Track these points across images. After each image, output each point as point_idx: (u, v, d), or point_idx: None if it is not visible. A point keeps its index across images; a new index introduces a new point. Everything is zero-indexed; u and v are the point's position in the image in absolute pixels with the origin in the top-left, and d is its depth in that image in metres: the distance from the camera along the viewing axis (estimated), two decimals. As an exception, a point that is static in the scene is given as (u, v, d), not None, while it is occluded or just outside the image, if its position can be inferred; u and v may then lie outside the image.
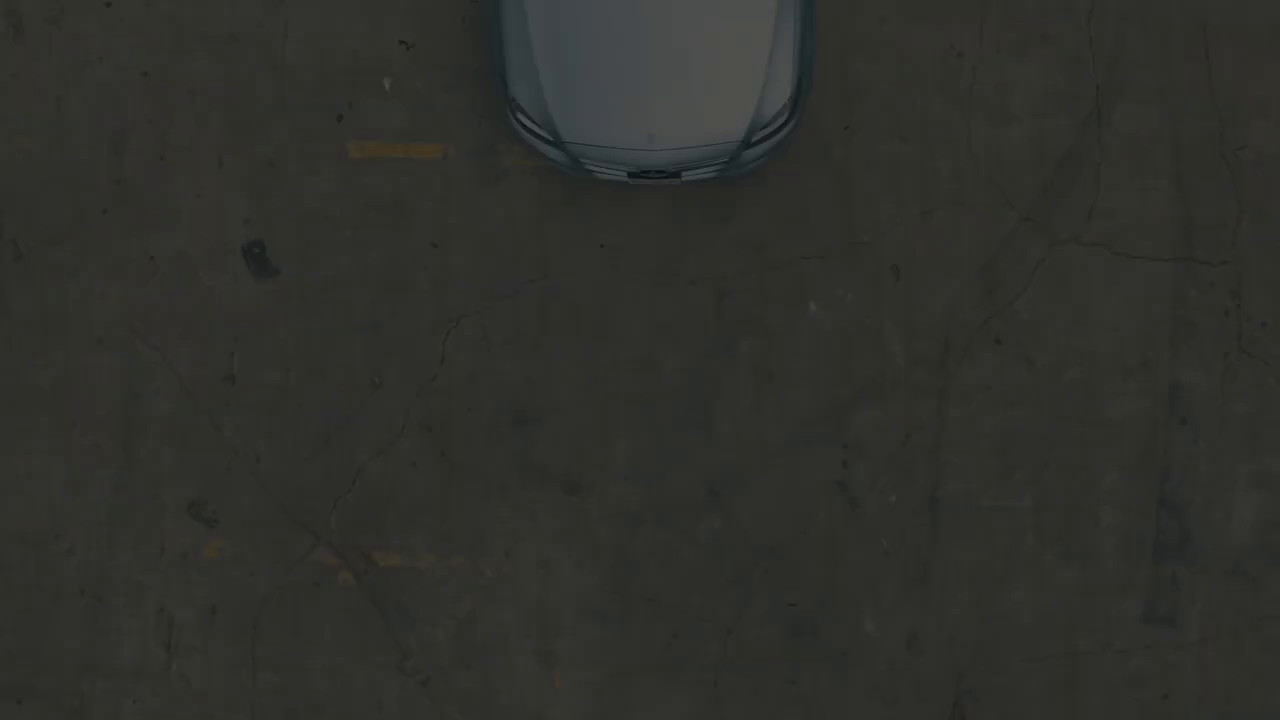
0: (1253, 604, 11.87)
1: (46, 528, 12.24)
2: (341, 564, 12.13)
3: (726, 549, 12.00)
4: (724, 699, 12.04)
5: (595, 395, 11.99)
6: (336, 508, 12.10)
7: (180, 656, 12.23)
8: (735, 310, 11.93)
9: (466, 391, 12.01)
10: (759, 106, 10.97)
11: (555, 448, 12.01)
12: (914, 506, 11.92)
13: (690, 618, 12.02)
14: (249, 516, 12.13)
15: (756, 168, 11.56)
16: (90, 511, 12.19)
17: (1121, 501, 11.85)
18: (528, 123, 11.13)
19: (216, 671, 12.21)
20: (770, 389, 11.92)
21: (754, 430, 11.94)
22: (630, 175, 11.12)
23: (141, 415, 12.12)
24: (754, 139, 11.08)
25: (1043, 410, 11.84)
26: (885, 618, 11.98)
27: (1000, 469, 11.87)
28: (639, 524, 12.01)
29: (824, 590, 11.98)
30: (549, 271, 11.97)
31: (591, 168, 11.15)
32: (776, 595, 11.99)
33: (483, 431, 12.01)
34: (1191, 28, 11.73)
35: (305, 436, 12.08)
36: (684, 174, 11.11)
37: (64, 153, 12.09)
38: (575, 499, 12.03)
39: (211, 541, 12.17)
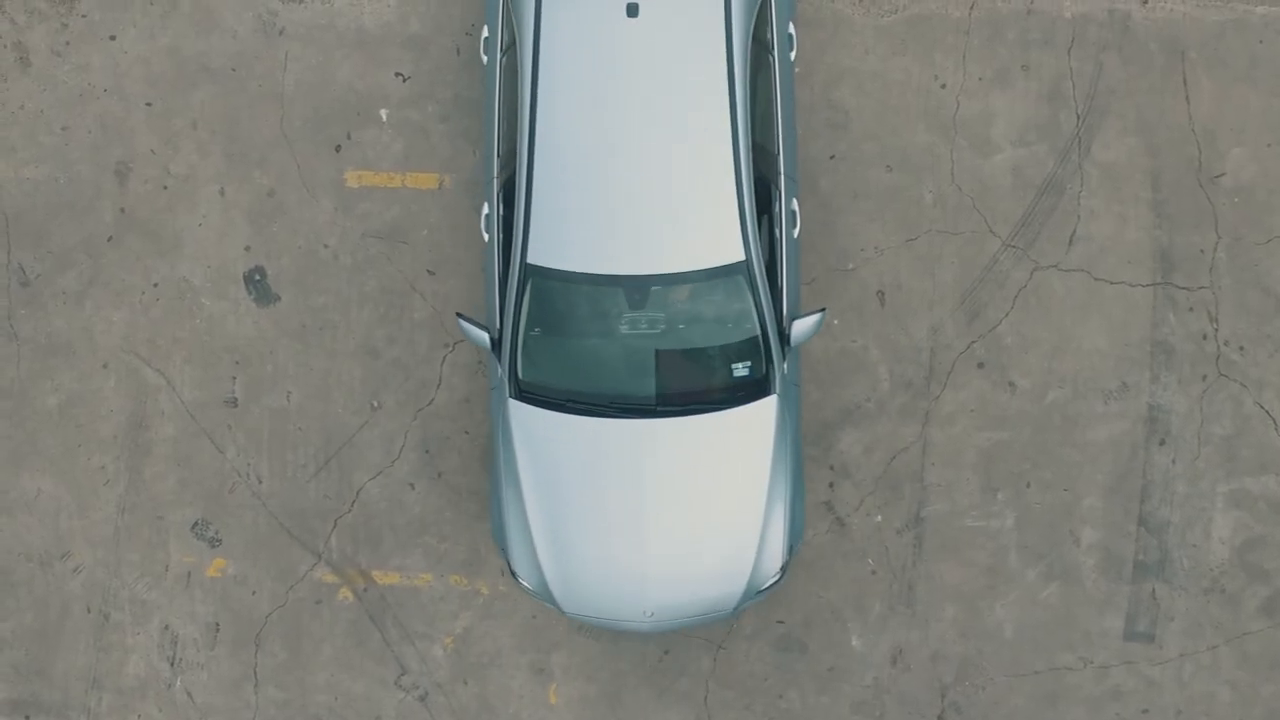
0: (1230, 621, 12.07)
1: (53, 547, 12.45)
2: (341, 582, 12.35)
3: (716, 568, 12.20)
4: (714, 714, 12.24)
5: (588, 418, 12.16)
6: (336, 527, 12.32)
7: (184, 672, 12.44)
8: (724, 335, 12.08)
9: (463, 414, 12.22)
10: (750, 581, 11.23)
11: (549, 469, 12.20)
12: (899, 526, 12.12)
13: (681, 634, 12.22)
14: (251, 536, 12.35)
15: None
16: (96, 531, 12.41)
17: (1102, 521, 12.05)
18: (528, 587, 11.41)
19: (220, 687, 12.43)
20: (758, 412, 12.10)
21: (742, 452, 12.11)
22: None
23: (146, 438, 12.34)
24: (745, 603, 11.40)
25: (1025, 432, 12.03)
26: (871, 634, 12.18)
27: (983, 489, 12.07)
28: (631, 543, 12.21)
29: (811, 608, 12.19)
30: (543, 297, 12.13)
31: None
32: (765, 613, 12.19)
33: (479, 453, 12.22)
34: (1170, 58, 11.88)
35: (306, 458, 12.30)
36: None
37: (70, 182, 12.29)
38: (569, 519, 12.23)
39: (214, 560, 12.39)
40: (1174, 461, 12.01)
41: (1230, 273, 11.92)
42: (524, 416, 11.05)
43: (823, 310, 10.99)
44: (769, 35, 10.97)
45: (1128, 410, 11.99)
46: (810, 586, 12.16)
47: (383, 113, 12.12)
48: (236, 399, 12.30)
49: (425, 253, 12.15)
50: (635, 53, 10.58)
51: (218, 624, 12.39)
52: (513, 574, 11.36)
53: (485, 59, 11.24)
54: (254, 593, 12.37)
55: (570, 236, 10.66)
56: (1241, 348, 11.96)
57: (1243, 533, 12.03)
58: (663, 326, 10.80)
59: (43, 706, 12.51)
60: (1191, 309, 11.95)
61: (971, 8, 11.90)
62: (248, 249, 12.25)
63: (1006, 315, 12.00)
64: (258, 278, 12.25)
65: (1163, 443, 12.00)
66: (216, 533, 12.37)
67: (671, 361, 10.88)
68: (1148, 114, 11.90)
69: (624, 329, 10.80)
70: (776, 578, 11.22)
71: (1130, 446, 12.01)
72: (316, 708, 12.39)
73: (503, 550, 11.35)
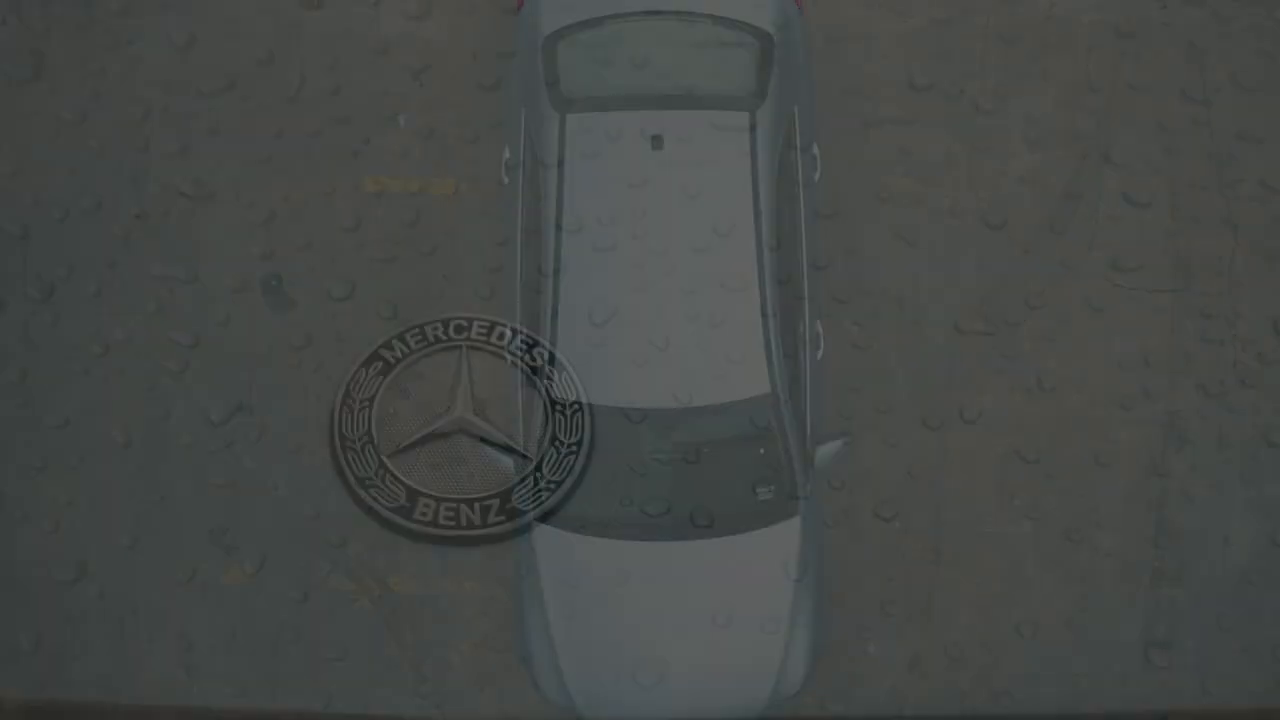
0: (1249, 628, 12.07)
1: (70, 555, 12.44)
2: (358, 589, 12.35)
3: (734, 574, 12.19)
4: (732, 721, 12.26)
5: (606, 424, 12.16)
6: (353, 534, 12.31)
7: (201, 681, 12.43)
8: (743, 341, 12.10)
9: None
10: (772, 697, 11.30)
11: (567, 475, 12.21)
12: (917, 532, 12.12)
13: (699, 642, 12.23)
14: (268, 543, 12.34)
15: None
16: (113, 539, 12.40)
17: (1120, 528, 12.05)
18: (553, 702, 11.48)
19: (237, 696, 12.41)
20: (777, 419, 12.11)
21: (761, 459, 12.12)
22: None
23: (162, 444, 12.34)
24: (767, 715, 11.45)
25: (1043, 438, 12.04)
26: (889, 641, 12.18)
27: (1001, 496, 12.08)
28: (649, 550, 12.21)
29: (829, 615, 12.18)
30: (560, 303, 12.15)
31: None
32: (783, 620, 12.19)
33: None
34: (1189, 63, 11.90)
35: (322, 464, 12.29)
36: None
37: (85, 187, 12.29)
38: (586, 525, 12.22)
39: (231, 568, 12.39)
40: (1193, 468, 12.02)
41: (1249, 279, 11.94)
42: (548, 539, 11.12)
43: (847, 435, 11.10)
44: (793, 159, 11.00)
45: (1147, 416, 12.00)
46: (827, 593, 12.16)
47: (401, 118, 12.14)
48: (253, 405, 12.29)
49: (443, 259, 12.15)
50: (660, 186, 10.61)
51: (234, 632, 12.38)
52: (535, 688, 11.44)
53: (506, 180, 11.28)
54: (271, 600, 12.36)
55: (595, 370, 10.70)
56: (1260, 353, 11.97)
57: (1261, 540, 12.03)
58: (687, 453, 10.89)
59: (59, 714, 12.49)
60: (1210, 315, 11.96)
61: (990, 13, 11.91)
62: (264, 255, 12.25)
63: (1026, 321, 12.01)
64: (274, 283, 12.25)
65: (1181, 449, 12.01)
66: (233, 540, 12.36)
67: (695, 487, 10.96)
68: (1167, 119, 11.92)
69: (649, 455, 10.89)
70: (797, 690, 11.35)
71: (1149, 453, 12.01)
72: (334, 717, 12.37)
73: (526, 667, 11.43)
